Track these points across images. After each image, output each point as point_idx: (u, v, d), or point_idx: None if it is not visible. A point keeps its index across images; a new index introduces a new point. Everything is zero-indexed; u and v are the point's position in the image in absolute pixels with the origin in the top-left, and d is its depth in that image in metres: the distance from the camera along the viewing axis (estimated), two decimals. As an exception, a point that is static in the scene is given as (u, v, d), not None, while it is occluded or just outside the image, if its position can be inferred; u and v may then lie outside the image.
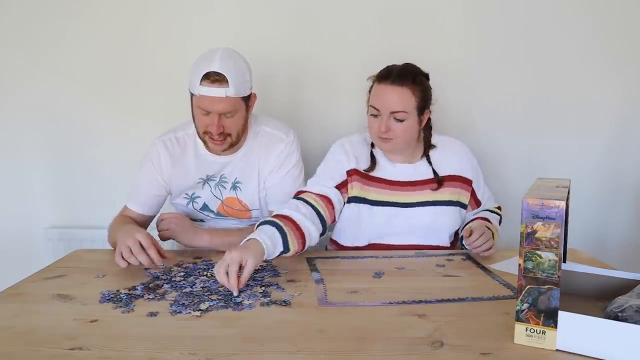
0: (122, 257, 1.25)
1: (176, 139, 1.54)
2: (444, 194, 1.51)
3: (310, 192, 1.43)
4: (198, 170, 1.52)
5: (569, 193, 0.94)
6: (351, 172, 1.48)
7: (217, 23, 1.94)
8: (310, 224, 1.35)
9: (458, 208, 1.53)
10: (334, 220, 1.47)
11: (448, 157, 1.54)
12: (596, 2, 1.92)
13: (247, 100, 1.44)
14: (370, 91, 1.47)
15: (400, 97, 1.40)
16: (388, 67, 1.46)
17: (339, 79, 1.97)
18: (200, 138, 1.47)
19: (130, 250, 1.25)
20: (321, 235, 1.40)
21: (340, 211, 1.48)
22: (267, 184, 1.51)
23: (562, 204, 0.83)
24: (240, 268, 1.13)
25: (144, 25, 1.95)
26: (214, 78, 1.34)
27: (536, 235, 0.85)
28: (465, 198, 1.54)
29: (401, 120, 1.42)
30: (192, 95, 1.41)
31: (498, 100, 1.99)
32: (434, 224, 1.49)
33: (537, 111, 2.00)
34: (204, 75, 1.34)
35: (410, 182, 1.50)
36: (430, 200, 1.49)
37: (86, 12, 1.95)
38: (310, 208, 1.38)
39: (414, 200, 1.49)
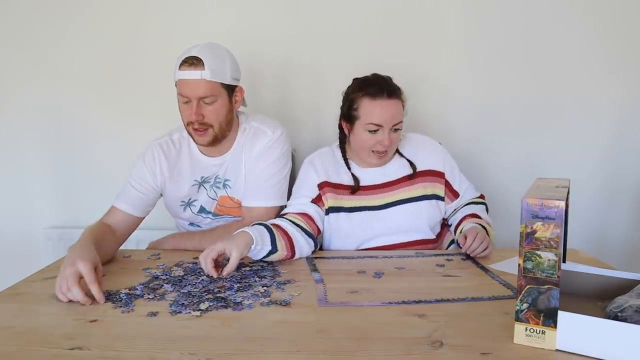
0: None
1: (172, 141, 1.55)
2: (418, 189, 1.53)
3: (290, 213, 1.45)
4: (193, 172, 1.52)
5: (568, 193, 0.94)
6: (322, 185, 1.51)
7: (216, 24, 1.94)
8: (299, 234, 1.38)
9: (435, 201, 1.54)
10: (319, 232, 1.49)
11: (417, 153, 1.57)
12: (596, 3, 1.92)
13: (230, 91, 1.44)
14: (353, 107, 1.47)
15: (398, 109, 1.45)
16: (371, 82, 1.46)
17: (330, 78, 1.98)
18: (187, 132, 1.47)
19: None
20: (315, 248, 1.45)
21: (323, 223, 1.51)
22: (246, 175, 1.50)
23: (562, 204, 0.83)
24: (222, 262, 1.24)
25: (144, 26, 1.96)
26: (190, 62, 1.37)
27: (536, 235, 0.85)
28: (440, 191, 1.56)
29: (397, 130, 1.47)
30: (176, 87, 1.43)
31: (498, 101, 1.99)
32: (412, 221, 1.50)
33: (537, 112, 2.00)
34: (182, 61, 1.38)
35: (381, 185, 1.53)
36: (405, 198, 1.52)
37: (87, 13, 1.96)
38: (294, 225, 1.40)
39: (389, 201, 1.51)
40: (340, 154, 1.56)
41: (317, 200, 1.49)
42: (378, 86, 1.44)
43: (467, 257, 1.40)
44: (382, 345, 0.89)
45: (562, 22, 1.94)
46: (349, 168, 1.53)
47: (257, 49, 1.92)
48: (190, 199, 1.54)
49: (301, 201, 1.48)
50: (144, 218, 1.52)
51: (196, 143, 1.49)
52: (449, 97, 1.98)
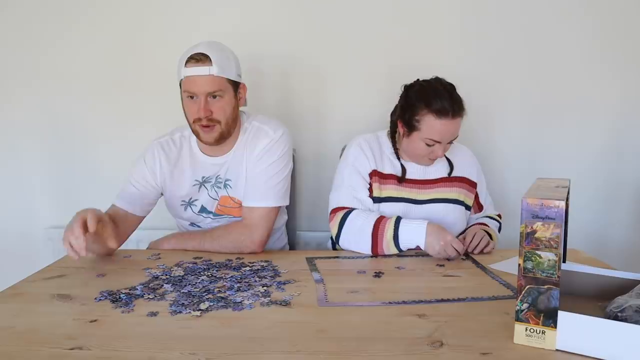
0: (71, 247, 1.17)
1: (172, 141, 1.55)
2: (453, 192, 1.56)
3: (360, 209, 1.48)
4: (194, 172, 1.52)
5: (568, 193, 0.94)
6: (372, 174, 1.53)
7: (217, 24, 1.94)
8: None
9: (464, 209, 1.57)
10: None
11: (456, 159, 1.60)
12: (596, 3, 1.92)
13: (235, 87, 1.45)
14: (414, 118, 1.45)
15: (459, 125, 1.46)
16: (438, 96, 1.43)
17: (332, 78, 1.98)
18: (192, 130, 1.46)
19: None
20: None
21: None
22: (247, 175, 1.50)
23: (562, 204, 0.83)
24: None
25: (145, 26, 1.96)
26: (197, 58, 1.38)
27: (536, 235, 0.85)
28: (470, 200, 1.59)
29: (452, 142, 1.50)
30: (180, 85, 1.42)
31: (498, 101, 2.00)
32: (444, 220, 1.52)
33: (536, 111, 2.00)
34: (188, 58, 1.38)
35: (421, 181, 1.55)
36: (441, 197, 1.55)
37: (87, 13, 1.96)
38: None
39: (427, 198, 1.54)
40: (387, 143, 1.58)
41: (370, 192, 1.52)
42: (442, 104, 1.41)
43: (467, 257, 1.41)
44: (382, 345, 0.89)
45: (562, 22, 1.94)
46: (398, 158, 1.56)
47: (259, 49, 1.92)
48: (191, 199, 1.54)
49: (363, 195, 1.51)
50: (144, 217, 1.53)
51: (202, 141, 1.47)
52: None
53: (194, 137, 1.52)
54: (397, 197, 1.52)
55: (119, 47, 1.97)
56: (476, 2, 1.93)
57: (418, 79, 1.52)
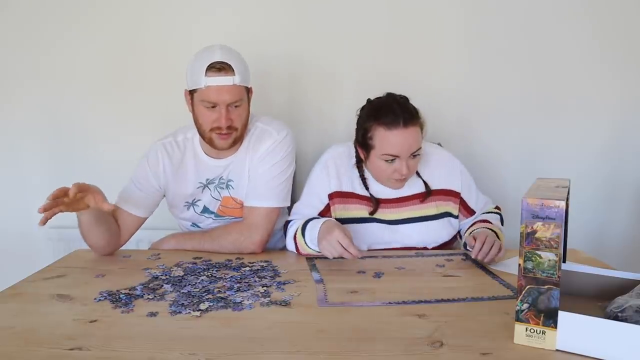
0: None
1: (176, 143, 1.53)
2: (430, 208, 1.49)
3: (297, 220, 1.45)
4: (198, 174, 1.52)
5: (568, 193, 0.94)
6: (332, 196, 1.47)
7: (217, 24, 1.94)
8: None
9: (447, 219, 1.51)
10: None
11: (433, 171, 1.51)
12: (596, 3, 1.92)
13: (248, 92, 1.45)
14: (367, 136, 1.39)
15: (416, 136, 1.37)
16: (385, 108, 1.37)
17: (337, 79, 1.97)
18: (204, 137, 1.44)
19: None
20: None
21: None
22: (250, 175, 1.49)
23: (562, 204, 0.83)
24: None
25: (144, 26, 1.95)
26: (220, 66, 1.34)
27: (536, 235, 0.85)
28: (453, 209, 1.51)
29: (416, 156, 1.40)
30: (193, 92, 1.40)
31: (498, 101, 1.99)
32: (423, 239, 1.48)
33: (536, 111, 2.00)
34: (208, 66, 1.34)
35: (395, 199, 1.48)
36: (417, 216, 1.48)
37: (87, 14, 1.95)
38: None
39: (401, 217, 1.48)
40: (356, 173, 1.49)
41: (324, 212, 1.47)
42: (393, 114, 1.34)
43: (467, 257, 1.40)
44: (382, 345, 0.89)
45: (562, 22, 1.94)
46: (367, 188, 1.47)
47: (259, 49, 1.91)
48: (194, 199, 1.54)
49: (308, 212, 1.47)
50: (146, 219, 1.52)
51: (216, 147, 1.44)
52: (450, 97, 1.98)
53: (197, 139, 1.52)
54: (368, 218, 1.46)
55: (119, 47, 1.96)
56: (478, 4, 1.93)
57: (368, 99, 1.46)
